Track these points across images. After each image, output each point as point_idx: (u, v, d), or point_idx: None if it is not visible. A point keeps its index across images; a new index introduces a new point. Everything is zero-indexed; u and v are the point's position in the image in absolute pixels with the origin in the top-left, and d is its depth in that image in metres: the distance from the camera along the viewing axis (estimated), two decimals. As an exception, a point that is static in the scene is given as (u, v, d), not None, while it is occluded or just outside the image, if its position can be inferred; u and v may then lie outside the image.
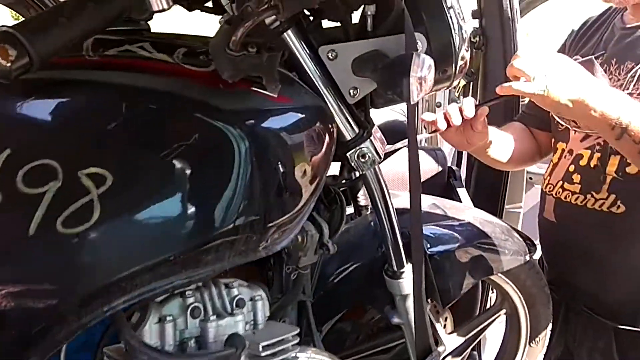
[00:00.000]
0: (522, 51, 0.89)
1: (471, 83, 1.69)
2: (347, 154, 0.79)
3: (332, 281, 0.99)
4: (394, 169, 1.14)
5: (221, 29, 0.51)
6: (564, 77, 0.86)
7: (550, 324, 1.21)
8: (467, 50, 0.82)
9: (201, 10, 0.72)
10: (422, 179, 1.66)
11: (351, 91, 0.76)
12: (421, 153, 1.65)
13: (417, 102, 0.68)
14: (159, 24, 0.63)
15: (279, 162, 0.59)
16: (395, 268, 0.91)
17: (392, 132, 0.94)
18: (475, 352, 1.76)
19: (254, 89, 0.57)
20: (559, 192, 1.11)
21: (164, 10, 0.41)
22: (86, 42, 0.54)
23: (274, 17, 0.56)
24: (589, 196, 1.05)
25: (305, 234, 0.74)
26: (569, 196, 1.08)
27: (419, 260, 0.83)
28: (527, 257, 1.07)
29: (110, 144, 0.52)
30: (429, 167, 1.59)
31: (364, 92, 0.77)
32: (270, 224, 0.59)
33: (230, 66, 0.51)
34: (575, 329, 1.15)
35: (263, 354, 0.64)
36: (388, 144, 1.21)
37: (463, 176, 1.77)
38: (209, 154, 0.54)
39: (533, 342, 1.22)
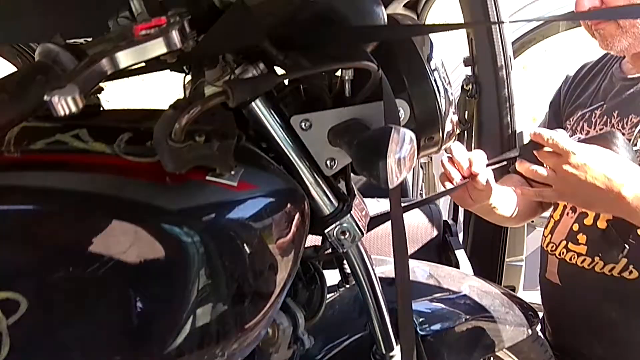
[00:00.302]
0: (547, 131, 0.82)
1: (465, 132, 1.63)
2: (326, 231, 0.71)
3: (315, 363, 0.90)
4: (386, 226, 1.06)
5: (165, 114, 0.44)
6: (598, 161, 0.79)
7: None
8: (454, 114, 0.76)
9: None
10: (417, 236, 1.58)
11: (328, 162, 0.69)
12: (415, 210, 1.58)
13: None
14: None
15: (242, 262, 0.51)
16: (383, 351, 0.82)
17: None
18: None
19: (209, 179, 0.49)
20: (563, 253, 1.02)
21: (73, 113, 0.34)
22: (10, 133, 0.47)
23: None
24: (597, 259, 0.96)
25: (276, 327, 0.65)
26: (574, 258, 1.00)
27: (409, 347, 0.74)
28: (530, 331, 0.98)
29: (25, 262, 0.44)
30: (423, 223, 1.51)
31: (342, 163, 0.70)
32: (230, 334, 0.50)
33: (173, 158, 0.44)
34: None
35: None
36: (378, 196, 1.12)
37: (460, 229, 1.70)
38: (151, 265, 0.45)
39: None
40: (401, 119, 0.69)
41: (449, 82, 0.73)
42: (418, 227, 1.48)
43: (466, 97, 1.58)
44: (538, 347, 1.05)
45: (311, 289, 0.78)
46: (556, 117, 1.19)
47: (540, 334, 1.06)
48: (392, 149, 0.54)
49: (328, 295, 1.02)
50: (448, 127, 0.75)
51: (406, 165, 0.54)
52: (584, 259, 0.98)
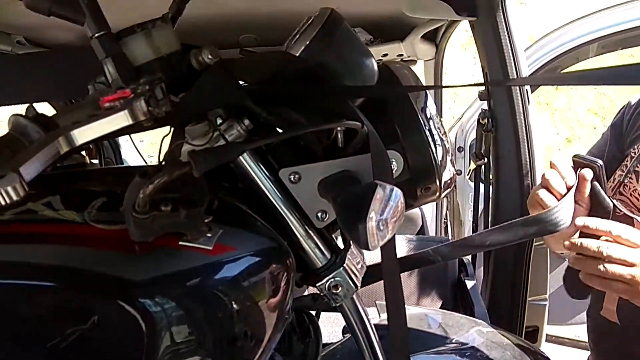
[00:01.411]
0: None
1: (482, 166, 1.59)
2: (318, 285, 0.70)
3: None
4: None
5: (133, 182, 0.44)
6: None
7: None
8: (452, 163, 0.73)
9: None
10: (430, 275, 1.53)
11: (319, 215, 0.68)
12: (427, 243, 1.53)
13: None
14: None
15: (220, 325, 0.49)
16: (383, 406, 0.78)
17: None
18: None
19: (182, 244, 0.48)
20: None
21: (14, 203, 0.34)
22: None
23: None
24: None
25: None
26: None
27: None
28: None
29: None
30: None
31: (334, 216, 0.68)
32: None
33: (138, 228, 0.43)
34: None
35: None
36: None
37: (480, 264, 1.63)
38: (118, 338, 0.44)
39: None
40: (394, 171, 0.67)
41: (445, 132, 0.71)
42: (432, 266, 1.43)
43: (482, 131, 1.54)
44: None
45: (306, 342, 0.76)
46: (617, 142, 1.10)
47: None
48: (374, 208, 0.52)
49: (333, 342, 0.99)
50: (446, 176, 0.72)
51: (389, 227, 0.52)
52: None
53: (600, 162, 0.85)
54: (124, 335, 0.44)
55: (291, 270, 0.62)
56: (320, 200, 0.67)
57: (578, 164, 0.87)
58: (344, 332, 1.03)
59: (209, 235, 0.50)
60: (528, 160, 1.47)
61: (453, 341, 0.90)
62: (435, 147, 0.69)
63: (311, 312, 0.83)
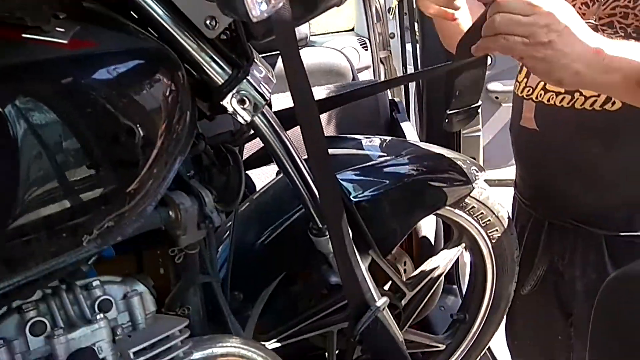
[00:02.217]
0: None
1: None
2: (223, 103, 0.65)
3: (256, 249, 0.87)
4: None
5: None
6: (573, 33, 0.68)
7: (517, 251, 1.12)
8: None
9: None
10: (362, 116, 1.53)
11: (208, 22, 0.61)
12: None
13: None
14: None
15: (94, 129, 0.45)
16: (319, 225, 0.79)
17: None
18: (454, 286, 1.70)
19: (27, 36, 0.41)
20: (541, 95, 0.95)
21: None
22: None
23: None
24: (577, 95, 0.90)
25: (177, 208, 0.61)
26: (552, 98, 0.93)
27: (335, 212, 0.71)
28: (474, 185, 0.95)
29: None
30: (368, 103, 1.44)
31: (225, 22, 0.62)
32: (97, 206, 0.45)
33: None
34: (563, 246, 1.04)
35: (136, 363, 0.52)
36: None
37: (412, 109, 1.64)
38: None
39: (501, 271, 1.13)
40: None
41: None
42: (364, 106, 1.42)
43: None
44: (487, 201, 1.04)
45: (227, 172, 0.73)
46: None
47: (487, 187, 1.04)
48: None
49: (264, 183, 0.98)
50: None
51: (270, -2, 0.46)
52: (563, 97, 0.91)
53: None
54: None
55: (179, 80, 0.56)
56: (205, 5, 0.60)
57: None
58: (277, 173, 1.01)
59: (60, 29, 0.43)
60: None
61: (381, 156, 0.91)
62: None
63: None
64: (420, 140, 1.43)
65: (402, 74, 2.30)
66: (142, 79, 0.50)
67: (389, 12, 2.62)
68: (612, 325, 0.57)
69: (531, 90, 0.99)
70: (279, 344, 0.93)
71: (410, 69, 1.91)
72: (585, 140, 0.92)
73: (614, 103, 0.86)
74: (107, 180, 0.46)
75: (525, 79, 1.01)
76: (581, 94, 0.90)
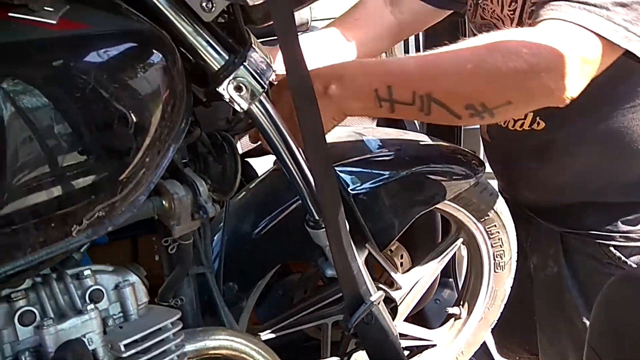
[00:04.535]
0: None
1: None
2: (219, 89, 0.63)
3: (252, 240, 0.86)
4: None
5: None
6: None
7: (515, 247, 1.11)
8: None
9: None
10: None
11: (204, 4, 0.59)
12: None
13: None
14: None
15: (84, 114, 0.43)
16: (316, 217, 0.78)
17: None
18: (450, 280, 1.70)
19: (13, 15, 0.39)
20: None
21: None
22: None
23: None
24: None
25: (171, 197, 0.59)
26: None
27: (332, 204, 0.69)
28: (474, 180, 0.94)
29: None
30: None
31: (222, 3, 0.60)
32: (88, 196, 0.44)
33: None
34: (528, 235, 1.11)
35: (126, 355, 0.51)
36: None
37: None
38: None
39: (498, 267, 1.13)
40: None
41: None
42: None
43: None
44: (487, 197, 1.02)
45: (223, 161, 0.72)
46: None
47: (488, 182, 1.03)
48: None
49: (261, 173, 0.97)
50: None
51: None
52: None
53: None
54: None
55: (173, 65, 0.54)
56: (201, -15, 0.58)
57: None
58: (275, 163, 1.00)
59: (49, 8, 0.41)
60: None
61: (380, 148, 0.89)
62: None
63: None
64: (421, 133, 1.41)
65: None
66: (134, 62, 0.48)
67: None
68: (612, 328, 0.56)
69: None
70: (273, 335, 0.93)
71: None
72: (525, 155, 1.00)
73: (538, 124, 0.93)
74: (98, 169, 0.45)
75: None
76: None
